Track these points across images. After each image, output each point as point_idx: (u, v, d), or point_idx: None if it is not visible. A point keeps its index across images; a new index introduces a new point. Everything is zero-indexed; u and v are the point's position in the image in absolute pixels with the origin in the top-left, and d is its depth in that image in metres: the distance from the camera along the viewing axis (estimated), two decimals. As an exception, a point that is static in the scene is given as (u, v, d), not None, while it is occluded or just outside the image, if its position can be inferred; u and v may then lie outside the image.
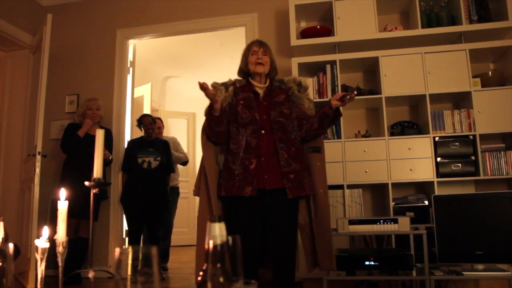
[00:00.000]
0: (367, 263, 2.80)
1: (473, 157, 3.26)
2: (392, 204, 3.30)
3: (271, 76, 2.47)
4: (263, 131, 2.29)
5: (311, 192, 2.35)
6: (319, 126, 2.40)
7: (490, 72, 3.49)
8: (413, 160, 3.31)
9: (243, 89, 2.42)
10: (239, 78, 2.53)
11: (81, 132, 3.85)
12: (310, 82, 3.58)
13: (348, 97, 2.27)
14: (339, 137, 3.47)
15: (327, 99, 3.50)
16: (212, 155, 2.41)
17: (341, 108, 2.36)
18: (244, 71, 2.47)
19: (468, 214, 2.79)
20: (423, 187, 3.50)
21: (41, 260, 1.28)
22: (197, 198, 7.98)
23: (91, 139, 3.74)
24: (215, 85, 2.42)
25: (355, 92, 2.36)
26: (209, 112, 2.24)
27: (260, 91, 2.42)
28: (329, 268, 2.44)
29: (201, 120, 7.66)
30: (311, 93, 3.56)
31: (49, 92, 3.90)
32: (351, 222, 2.86)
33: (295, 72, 3.57)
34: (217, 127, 2.28)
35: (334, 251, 2.51)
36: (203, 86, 2.06)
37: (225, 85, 2.44)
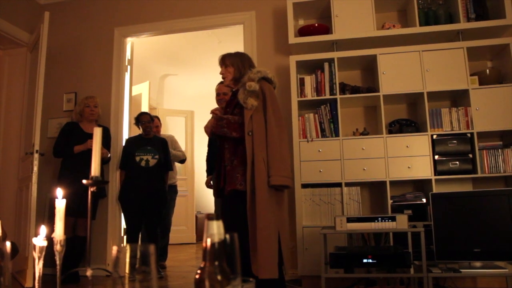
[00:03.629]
0: (365, 260, 2.81)
1: (470, 155, 3.26)
2: (390, 202, 3.31)
3: (235, 80, 2.58)
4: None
5: (242, 187, 2.30)
6: None
7: (487, 70, 3.50)
8: (411, 158, 3.32)
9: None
10: None
11: (77, 149, 3.81)
12: (308, 80, 3.58)
13: None
14: (337, 135, 3.47)
15: (325, 97, 3.52)
16: None
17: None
18: None
19: (465, 212, 2.80)
20: (421, 185, 3.51)
21: (39, 258, 1.28)
22: (195, 196, 7.98)
23: (89, 137, 3.77)
24: None
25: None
26: None
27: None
28: (257, 274, 2.15)
29: (199, 118, 7.65)
30: (309, 91, 3.56)
31: (46, 90, 3.89)
32: (349, 220, 2.86)
33: (293, 70, 3.58)
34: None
35: (264, 258, 2.19)
36: None
37: None
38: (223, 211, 2.46)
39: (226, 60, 2.60)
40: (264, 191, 2.25)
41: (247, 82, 2.41)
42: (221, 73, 2.62)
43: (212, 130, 2.47)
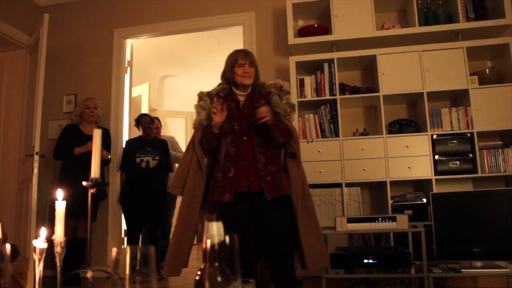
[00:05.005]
0: (365, 261, 2.81)
1: (470, 155, 3.26)
2: (390, 202, 3.30)
3: (254, 83, 2.50)
4: (244, 138, 2.39)
5: (290, 192, 2.37)
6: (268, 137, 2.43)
7: (487, 70, 3.50)
8: (411, 158, 3.31)
9: (226, 98, 2.49)
10: (223, 84, 2.59)
11: (77, 151, 3.81)
12: (308, 81, 3.58)
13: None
14: (337, 135, 3.47)
15: (325, 98, 3.52)
16: (200, 158, 2.49)
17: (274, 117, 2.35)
18: (228, 78, 2.52)
19: (466, 212, 2.79)
20: (421, 185, 3.51)
21: (39, 260, 1.28)
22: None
23: (89, 139, 3.77)
24: (200, 95, 2.56)
25: (262, 110, 2.34)
26: (209, 129, 2.40)
27: (242, 99, 2.49)
28: (316, 267, 2.43)
29: (199, 119, 7.58)
30: (309, 92, 3.56)
31: (46, 92, 3.89)
32: (350, 220, 2.86)
33: (292, 70, 3.58)
34: (214, 141, 2.43)
35: (325, 250, 2.52)
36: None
37: (210, 95, 2.54)
38: (263, 216, 2.32)
39: (251, 57, 2.49)
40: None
41: (285, 95, 2.48)
42: (246, 71, 2.43)
43: (270, 122, 2.31)
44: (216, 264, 0.75)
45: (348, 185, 3.39)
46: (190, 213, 2.43)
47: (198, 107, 2.54)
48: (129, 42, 4.62)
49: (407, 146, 3.33)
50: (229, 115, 2.39)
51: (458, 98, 3.55)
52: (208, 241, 0.76)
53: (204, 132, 2.46)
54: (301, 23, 4.01)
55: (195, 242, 7.20)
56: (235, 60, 2.46)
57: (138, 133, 4.29)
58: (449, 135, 3.31)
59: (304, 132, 3.51)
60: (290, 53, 3.77)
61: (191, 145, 2.53)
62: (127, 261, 0.72)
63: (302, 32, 3.75)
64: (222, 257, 0.76)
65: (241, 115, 2.44)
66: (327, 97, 3.52)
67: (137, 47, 5.01)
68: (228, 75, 2.50)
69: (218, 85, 2.61)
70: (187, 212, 2.44)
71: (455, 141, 3.29)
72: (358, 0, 3.62)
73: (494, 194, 2.82)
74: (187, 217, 2.44)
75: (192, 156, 2.50)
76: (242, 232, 2.21)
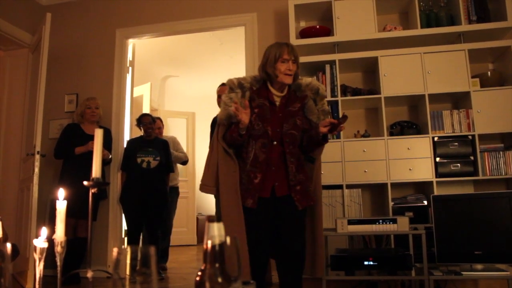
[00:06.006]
0: (366, 263, 2.80)
1: (472, 157, 3.26)
2: (391, 204, 3.30)
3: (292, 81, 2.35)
4: (275, 143, 2.29)
5: (315, 201, 2.39)
6: (307, 144, 2.37)
7: (489, 72, 3.50)
8: (412, 160, 3.31)
9: (259, 93, 2.34)
10: (256, 77, 2.40)
11: (78, 150, 3.80)
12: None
13: (338, 127, 2.21)
14: (338, 137, 3.47)
15: (326, 99, 3.51)
16: (227, 149, 2.35)
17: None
18: (269, 74, 2.31)
19: (467, 214, 2.79)
20: (422, 187, 3.50)
21: (40, 260, 1.28)
22: (197, 198, 7.92)
23: (90, 138, 3.77)
24: (231, 85, 2.35)
25: (343, 126, 2.22)
26: (235, 129, 2.25)
27: (277, 100, 2.34)
28: (320, 275, 2.46)
29: (200, 119, 7.62)
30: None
31: (48, 91, 3.89)
32: (350, 222, 2.85)
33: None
34: (238, 142, 2.30)
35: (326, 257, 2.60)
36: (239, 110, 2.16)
37: (242, 87, 2.34)
38: (285, 223, 2.28)
39: (296, 53, 2.30)
40: None
41: (321, 100, 2.42)
42: (290, 68, 2.27)
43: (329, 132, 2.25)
44: (217, 265, 0.75)
45: (349, 186, 3.39)
46: (235, 210, 2.25)
47: (228, 99, 2.31)
48: (131, 42, 4.62)
49: (408, 148, 3.33)
50: (261, 116, 2.28)
51: (460, 101, 3.55)
52: (209, 242, 0.76)
53: (228, 129, 2.32)
54: (303, 24, 4.01)
55: (195, 242, 7.22)
56: (280, 54, 2.26)
57: (139, 133, 4.29)
58: (450, 137, 3.31)
59: (305, 133, 3.51)
60: (292, 54, 3.77)
61: (215, 141, 2.39)
62: (128, 261, 0.72)
63: (304, 33, 3.75)
64: (223, 258, 0.76)
65: (275, 118, 2.29)
66: (329, 98, 3.52)
67: (139, 47, 5.02)
68: (270, 70, 2.29)
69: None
70: (233, 209, 2.26)
71: (456, 144, 3.28)
72: (360, 2, 3.62)
73: (495, 197, 2.81)
74: (234, 215, 2.23)
75: (218, 151, 2.36)
76: (261, 238, 2.23)
